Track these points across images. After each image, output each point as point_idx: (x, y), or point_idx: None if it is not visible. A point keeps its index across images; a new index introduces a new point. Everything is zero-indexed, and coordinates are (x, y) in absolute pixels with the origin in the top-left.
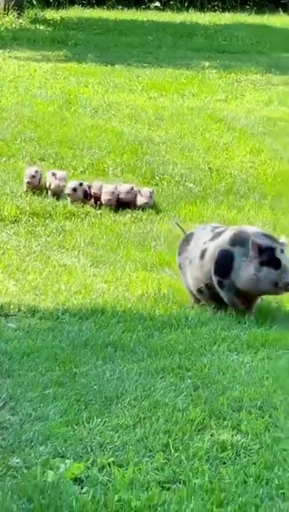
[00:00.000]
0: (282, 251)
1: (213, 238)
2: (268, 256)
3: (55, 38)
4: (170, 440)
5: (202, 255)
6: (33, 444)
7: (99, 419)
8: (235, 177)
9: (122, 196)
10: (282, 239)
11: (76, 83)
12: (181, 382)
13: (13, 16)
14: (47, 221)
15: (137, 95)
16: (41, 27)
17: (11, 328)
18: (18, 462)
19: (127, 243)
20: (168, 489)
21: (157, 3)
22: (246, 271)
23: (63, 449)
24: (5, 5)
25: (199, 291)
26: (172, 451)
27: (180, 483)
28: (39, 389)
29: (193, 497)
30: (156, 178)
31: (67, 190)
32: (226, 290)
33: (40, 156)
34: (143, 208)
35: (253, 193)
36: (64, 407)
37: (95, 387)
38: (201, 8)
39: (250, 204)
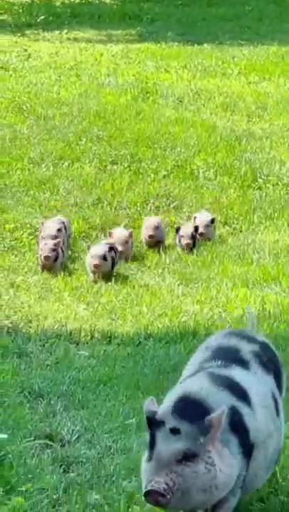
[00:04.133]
0: None
1: None
2: None
3: (125, 13)
4: None
5: None
6: (114, 478)
7: None
8: None
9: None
10: None
11: (154, 68)
12: None
13: None
14: None
15: (232, 80)
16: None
17: (83, 355)
18: (97, 499)
19: (222, 257)
20: None
21: None
22: None
23: None
24: None
25: None
26: None
27: None
28: (120, 419)
29: None
30: (260, 180)
31: None
32: None
33: (111, 159)
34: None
35: None
36: None
37: None
38: None
39: None
